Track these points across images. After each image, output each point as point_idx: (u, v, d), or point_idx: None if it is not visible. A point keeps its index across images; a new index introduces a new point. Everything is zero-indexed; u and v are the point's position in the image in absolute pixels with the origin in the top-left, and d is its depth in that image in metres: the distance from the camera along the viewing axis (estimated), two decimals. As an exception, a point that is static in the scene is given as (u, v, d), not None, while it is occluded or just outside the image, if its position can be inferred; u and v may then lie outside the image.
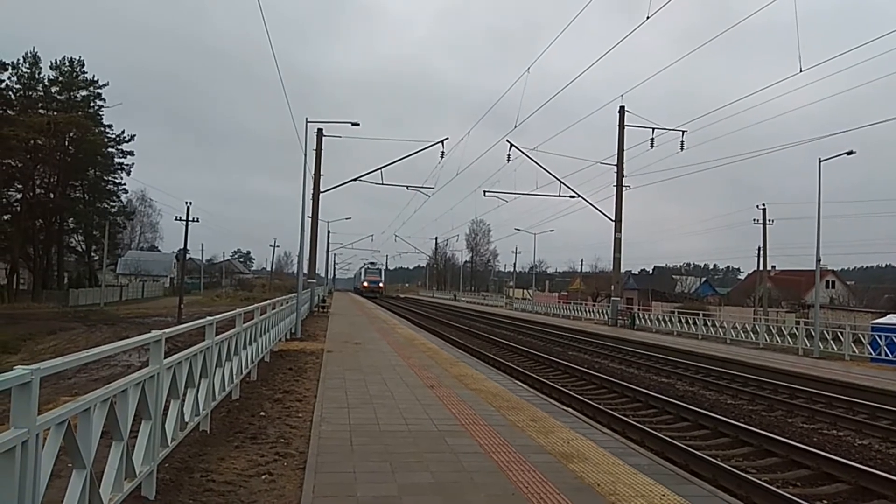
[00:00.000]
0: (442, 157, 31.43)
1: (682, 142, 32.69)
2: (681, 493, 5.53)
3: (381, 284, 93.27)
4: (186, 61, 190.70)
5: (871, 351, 21.34)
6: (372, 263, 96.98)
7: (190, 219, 53.62)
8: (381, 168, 32.07)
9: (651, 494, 5.48)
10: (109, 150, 68.29)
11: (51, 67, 64.54)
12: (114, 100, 72.47)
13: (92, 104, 67.21)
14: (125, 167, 70.99)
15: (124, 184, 72.91)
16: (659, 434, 9.81)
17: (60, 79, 65.22)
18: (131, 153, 71.05)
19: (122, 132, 69.85)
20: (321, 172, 31.90)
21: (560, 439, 7.40)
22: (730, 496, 5.85)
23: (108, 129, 68.34)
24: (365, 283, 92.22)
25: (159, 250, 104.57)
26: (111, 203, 72.21)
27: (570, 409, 9.83)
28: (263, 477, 5.85)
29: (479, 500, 5.21)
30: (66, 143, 61.77)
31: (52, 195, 62.63)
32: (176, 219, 56.23)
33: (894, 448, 10.41)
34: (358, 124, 26.72)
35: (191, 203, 53.40)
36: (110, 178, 70.78)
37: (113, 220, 70.84)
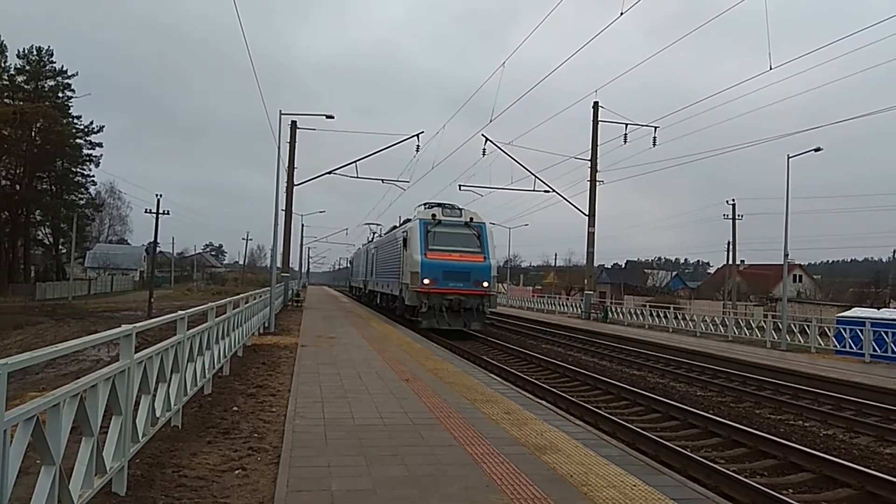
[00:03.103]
0: (417, 150, 30.88)
1: (655, 137, 32.90)
2: (651, 483, 5.62)
3: (486, 284, 24.45)
4: (155, 48, 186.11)
5: (837, 343, 21.83)
6: (446, 206, 26.10)
7: (160, 211, 52.90)
8: (355, 161, 31.42)
9: (622, 485, 5.57)
10: (77, 141, 66.94)
11: (18, 56, 63.04)
12: (82, 89, 71.24)
13: (60, 94, 65.76)
14: (94, 158, 69.66)
15: (93, 175, 71.61)
16: (630, 425, 9.95)
17: (27, 68, 63.72)
18: (100, 144, 69.74)
19: (91, 123, 68.53)
20: (295, 165, 31.63)
21: (533, 431, 7.48)
22: (699, 486, 5.97)
23: (76, 120, 67.00)
24: (426, 280, 23.91)
25: (129, 243, 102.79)
26: (79, 195, 70.80)
27: (543, 402, 9.92)
28: (237, 472, 5.82)
29: (454, 493, 5.25)
30: (33, 133, 60.47)
31: (17, 187, 61.26)
32: (146, 211, 55.42)
33: (857, 437, 10.70)
34: (332, 117, 26.41)
35: (161, 195, 52.75)
36: (78, 170, 69.44)
37: (81, 213, 69.50)
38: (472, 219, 25.24)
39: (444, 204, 25.97)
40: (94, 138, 68.86)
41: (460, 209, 25.75)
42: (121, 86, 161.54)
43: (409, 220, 27.60)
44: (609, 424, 10.07)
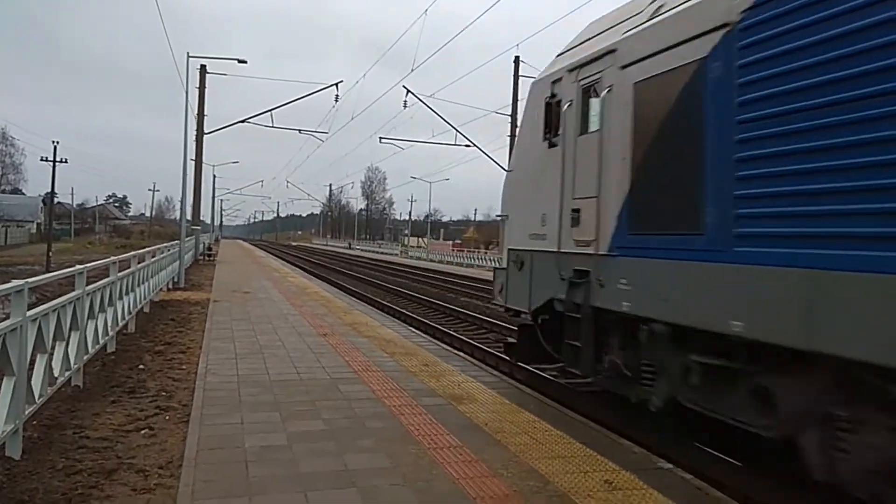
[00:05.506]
0: (336, 100, 30.16)
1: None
2: (561, 429, 5.83)
3: None
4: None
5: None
6: None
7: (57, 159, 49.59)
8: (270, 110, 30.25)
9: (535, 430, 5.76)
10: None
11: None
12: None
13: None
14: (-21, 101, 63.99)
15: (-20, 120, 65.88)
16: (544, 374, 10.26)
17: None
18: (-14, 85, 64.08)
19: (-26, 61, 62.67)
20: (205, 112, 30.15)
21: (451, 382, 7.59)
22: (604, 428, 6.22)
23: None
24: None
25: (24, 193, 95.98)
26: (-35, 141, 65.13)
27: (461, 353, 10.08)
28: (143, 431, 5.61)
29: (371, 445, 5.26)
30: None
31: None
32: (42, 159, 51.82)
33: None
34: (245, 61, 25.36)
35: (58, 142, 49.50)
36: (-38, 113, 63.65)
37: (-33, 160, 64.08)
38: None
39: None
40: (-22, 78, 63.11)
41: None
42: (8, 22, 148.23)
43: None
44: (524, 373, 10.34)
